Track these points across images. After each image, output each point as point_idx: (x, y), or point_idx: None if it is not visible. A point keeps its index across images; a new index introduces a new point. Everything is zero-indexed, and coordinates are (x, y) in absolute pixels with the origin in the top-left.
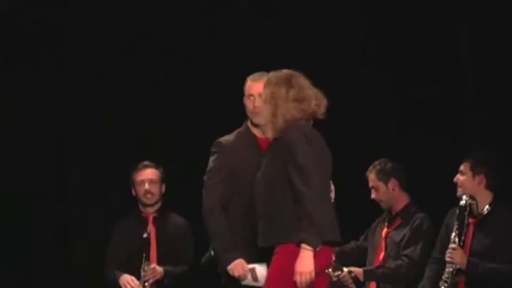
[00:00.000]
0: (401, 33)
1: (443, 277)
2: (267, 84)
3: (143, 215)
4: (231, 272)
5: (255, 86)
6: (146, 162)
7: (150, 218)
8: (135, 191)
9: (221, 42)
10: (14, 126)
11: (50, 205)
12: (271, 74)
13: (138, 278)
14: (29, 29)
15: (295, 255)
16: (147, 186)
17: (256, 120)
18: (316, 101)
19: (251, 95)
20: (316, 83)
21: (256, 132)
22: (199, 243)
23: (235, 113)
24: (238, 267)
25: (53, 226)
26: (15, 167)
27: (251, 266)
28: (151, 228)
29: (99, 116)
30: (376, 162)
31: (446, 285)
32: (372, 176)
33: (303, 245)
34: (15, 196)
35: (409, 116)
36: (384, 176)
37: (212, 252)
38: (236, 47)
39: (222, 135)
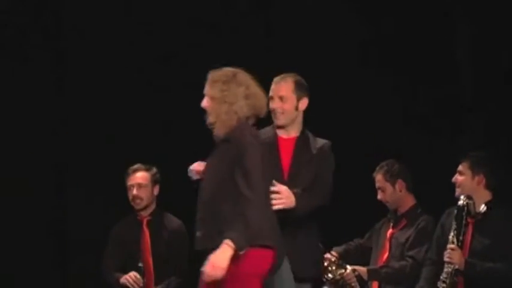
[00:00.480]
0: (401, 35)
1: (441, 277)
2: (214, 82)
3: (138, 218)
4: None
5: (274, 88)
6: (136, 166)
7: (144, 222)
8: (128, 195)
9: (221, 42)
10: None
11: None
12: (214, 72)
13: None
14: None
15: (238, 258)
16: (134, 191)
17: (275, 121)
18: (263, 99)
19: (271, 96)
20: (315, 83)
21: (281, 132)
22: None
23: None
24: None
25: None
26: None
27: None
28: (145, 231)
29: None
30: (384, 163)
31: (444, 285)
32: (379, 177)
33: (227, 241)
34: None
35: (409, 116)
36: (391, 177)
37: None
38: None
39: None
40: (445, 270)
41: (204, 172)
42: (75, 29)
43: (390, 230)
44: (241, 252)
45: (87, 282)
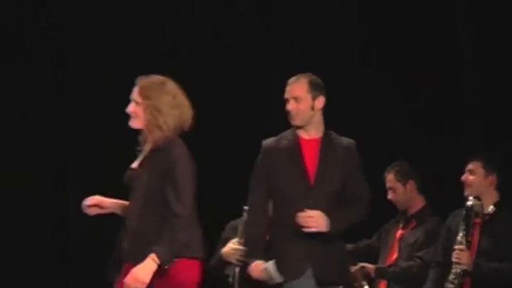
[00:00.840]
0: (403, 34)
1: (449, 278)
2: (143, 89)
3: None
4: (251, 274)
5: (289, 89)
6: None
7: None
8: None
9: (223, 41)
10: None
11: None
12: (143, 78)
13: None
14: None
15: (165, 271)
16: None
17: (292, 122)
18: (189, 111)
19: (286, 98)
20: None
21: (301, 133)
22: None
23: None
24: (254, 269)
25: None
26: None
27: (263, 266)
28: None
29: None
30: (395, 163)
31: (453, 286)
32: (390, 177)
33: (152, 255)
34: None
35: (411, 117)
36: (402, 177)
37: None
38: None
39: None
40: (453, 271)
41: (132, 179)
42: (76, 28)
43: (399, 231)
44: (165, 267)
45: (87, 283)
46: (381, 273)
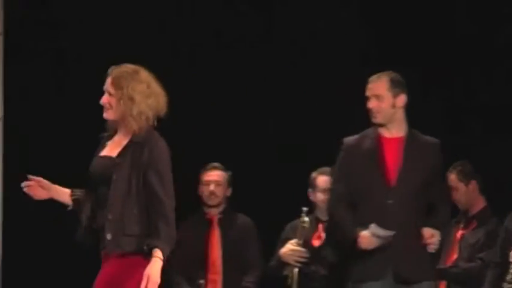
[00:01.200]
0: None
1: (506, 278)
2: (116, 78)
3: (207, 216)
4: (360, 246)
5: (370, 87)
6: (215, 164)
7: (215, 219)
8: (200, 190)
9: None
10: None
11: None
12: (115, 68)
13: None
14: None
15: (133, 268)
16: (212, 187)
17: (373, 120)
18: (163, 98)
19: (367, 96)
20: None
21: (383, 132)
22: (268, 245)
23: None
24: (363, 241)
25: None
26: None
27: (368, 233)
28: (214, 230)
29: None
30: (457, 163)
31: (510, 286)
32: (452, 177)
33: (158, 252)
34: None
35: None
36: (464, 177)
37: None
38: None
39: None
40: (511, 271)
41: (108, 168)
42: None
43: (460, 231)
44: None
45: None
46: (441, 274)
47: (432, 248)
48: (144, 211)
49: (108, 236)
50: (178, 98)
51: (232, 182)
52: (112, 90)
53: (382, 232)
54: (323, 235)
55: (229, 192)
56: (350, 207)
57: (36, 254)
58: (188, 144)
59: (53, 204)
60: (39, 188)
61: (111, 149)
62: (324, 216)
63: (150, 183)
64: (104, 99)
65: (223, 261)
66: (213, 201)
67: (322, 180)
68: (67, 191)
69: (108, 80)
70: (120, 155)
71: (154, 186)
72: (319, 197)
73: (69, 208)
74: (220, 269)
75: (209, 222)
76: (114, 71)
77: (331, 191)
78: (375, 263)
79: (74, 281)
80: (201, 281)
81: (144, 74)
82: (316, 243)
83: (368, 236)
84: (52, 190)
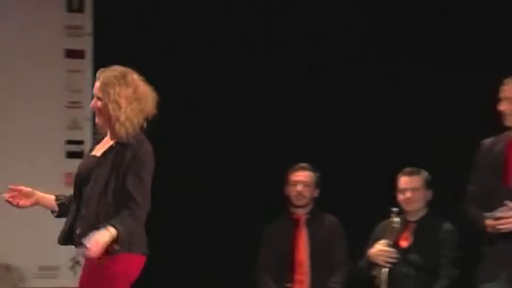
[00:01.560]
0: None
1: None
2: (104, 85)
3: (294, 216)
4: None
5: (505, 89)
6: (303, 164)
7: (302, 220)
8: (287, 190)
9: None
10: None
11: None
12: (104, 72)
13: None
14: None
15: (114, 265)
16: (299, 188)
17: (505, 122)
18: (151, 101)
19: (500, 98)
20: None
21: None
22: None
23: None
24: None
25: None
26: None
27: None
28: (302, 230)
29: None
30: None
31: None
32: None
33: (110, 228)
34: None
35: None
36: None
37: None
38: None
39: None
40: None
41: (92, 166)
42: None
43: None
44: (116, 249)
45: None
46: None
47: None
48: (117, 213)
49: (78, 231)
50: (265, 98)
51: (320, 183)
52: (99, 95)
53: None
54: (410, 236)
55: (316, 193)
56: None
57: None
58: (276, 144)
59: None
60: (22, 196)
61: (98, 150)
62: (411, 217)
63: (127, 184)
64: (93, 104)
65: (310, 262)
66: (300, 202)
67: (401, 181)
68: (51, 196)
69: (96, 84)
70: (103, 154)
71: (130, 187)
72: (399, 197)
73: (55, 214)
74: (308, 270)
75: (296, 223)
76: (102, 75)
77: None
78: (491, 265)
79: None
80: (288, 285)
81: (131, 77)
82: (403, 244)
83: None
84: (35, 197)
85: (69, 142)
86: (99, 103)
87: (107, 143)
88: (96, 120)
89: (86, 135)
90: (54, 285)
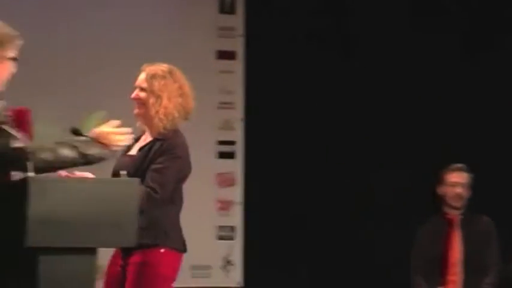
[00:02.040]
0: None
1: None
2: (152, 76)
3: (448, 216)
4: None
5: None
6: (461, 165)
7: (456, 220)
8: (443, 191)
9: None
10: None
11: None
12: (150, 66)
13: (436, 279)
14: None
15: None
16: (459, 189)
17: None
18: (191, 100)
19: None
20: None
21: None
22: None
23: None
24: None
25: None
26: None
27: None
28: (455, 230)
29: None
30: None
31: None
32: None
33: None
34: None
35: None
36: None
37: None
38: None
39: None
40: None
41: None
42: None
43: None
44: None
45: None
46: None
47: None
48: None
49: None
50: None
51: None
52: (144, 87)
53: None
54: None
55: (469, 194)
56: None
57: None
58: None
59: None
60: None
61: (135, 148)
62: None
63: (150, 173)
64: (135, 95)
65: (463, 263)
66: (458, 203)
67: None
68: None
69: (142, 77)
70: (140, 149)
71: (152, 174)
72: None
73: None
74: (460, 270)
75: (450, 223)
76: (148, 69)
77: None
78: None
79: None
80: (440, 286)
81: (178, 74)
82: None
83: None
84: None
85: (221, 143)
86: (142, 94)
87: (144, 140)
88: (136, 111)
89: (238, 135)
90: (206, 285)
